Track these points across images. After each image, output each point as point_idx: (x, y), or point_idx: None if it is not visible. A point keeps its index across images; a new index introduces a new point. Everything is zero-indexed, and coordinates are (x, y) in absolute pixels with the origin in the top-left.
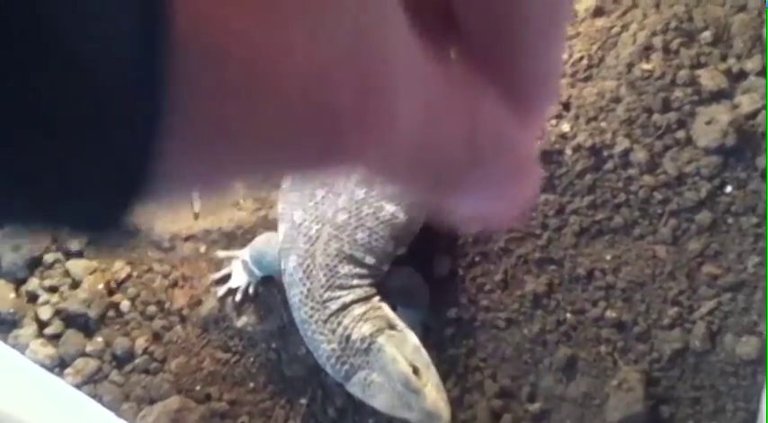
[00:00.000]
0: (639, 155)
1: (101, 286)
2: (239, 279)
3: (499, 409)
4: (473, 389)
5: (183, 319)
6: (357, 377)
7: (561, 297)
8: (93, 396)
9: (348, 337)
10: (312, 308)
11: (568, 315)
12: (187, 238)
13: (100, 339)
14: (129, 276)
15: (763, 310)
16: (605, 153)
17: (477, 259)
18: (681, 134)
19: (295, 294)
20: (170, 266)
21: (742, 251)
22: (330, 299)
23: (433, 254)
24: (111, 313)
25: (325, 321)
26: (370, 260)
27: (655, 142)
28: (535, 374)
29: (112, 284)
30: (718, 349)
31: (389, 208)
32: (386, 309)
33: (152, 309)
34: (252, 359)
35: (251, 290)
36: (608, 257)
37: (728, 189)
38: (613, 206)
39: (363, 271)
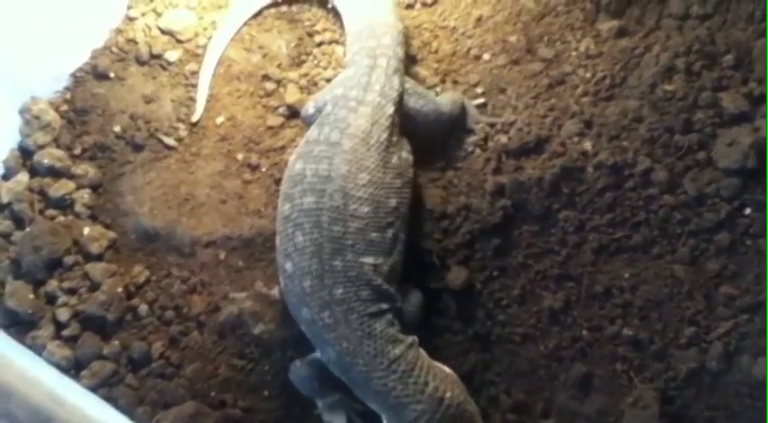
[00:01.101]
0: (660, 174)
1: (119, 290)
2: None
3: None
4: (488, 403)
5: (200, 325)
6: None
7: (578, 314)
8: (108, 399)
9: None
10: None
11: (585, 332)
12: (207, 245)
13: (117, 343)
14: (147, 281)
15: None
16: (626, 172)
17: (495, 274)
18: (702, 155)
19: None
20: (189, 272)
21: (760, 273)
22: None
23: (450, 265)
24: (128, 317)
25: None
26: None
27: (676, 162)
28: (550, 390)
29: (131, 288)
30: (734, 370)
31: None
32: None
33: (170, 314)
34: (267, 367)
35: None
36: (626, 275)
37: (748, 211)
38: (633, 225)
39: None
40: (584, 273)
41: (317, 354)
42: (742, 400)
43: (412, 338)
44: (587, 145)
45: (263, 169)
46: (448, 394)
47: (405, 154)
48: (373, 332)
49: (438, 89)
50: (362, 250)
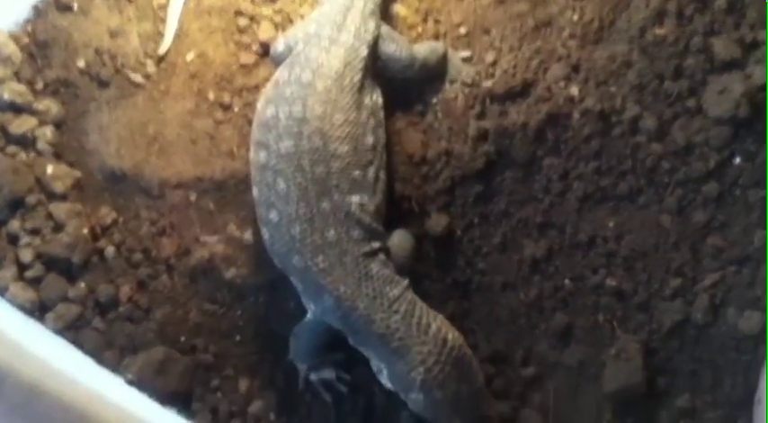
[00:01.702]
0: (648, 122)
1: (85, 231)
2: None
3: (492, 373)
4: None
5: (169, 269)
6: None
7: (560, 263)
8: (75, 343)
9: None
10: None
11: (567, 281)
12: (177, 187)
13: (82, 285)
14: (114, 222)
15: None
16: (614, 119)
17: (476, 221)
18: (691, 103)
19: None
20: (158, 214)
21: (748, 224)
22: None
23: (430, 212)
24: (94, 259)
25: None
26: None
27: (665, 110)
28: (530, 340)
29: (97, 230)
30: (720, 323)
31: None
32: None
33: (138, 256)
34: (239, 312)
35: None
36: (611, 225)
37: (737, 161)
38: (619, 173)
39: None
40: (567, 221)
41: (310, 314)
42: (727, 353)
43: (406, 281)
44: (574, 90)
45: (236, 109)
46: (450, 336)
47: (376, 96)
48: (370, 273)
49: (419, 29)
50: (348, 189)
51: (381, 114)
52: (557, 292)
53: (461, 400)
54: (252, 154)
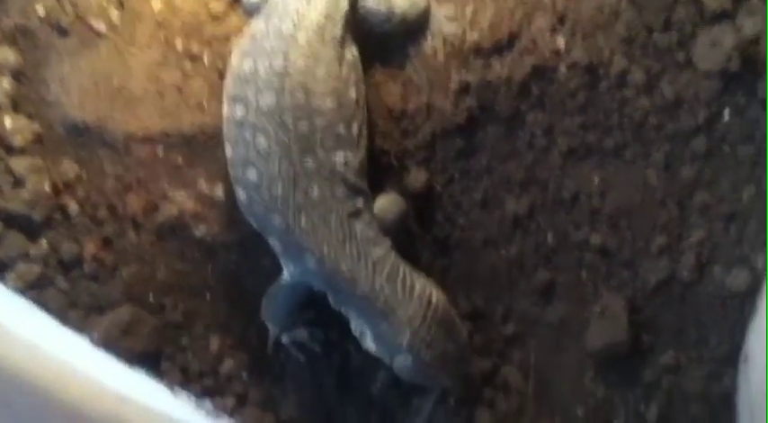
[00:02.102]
0: (637, 76)
1: (46, 187)
2: None
3: (471, 330)
4: None
5: (136, 226)
6: None
7: (543, 219)
8: (38, 302)
9: None
10: None
11: (549, 238)
12: (143, 141)
13: (44, 243)
14: (77, 177)
15: (755, 243)
16: (601, 72)
17: (456, 176)
18: (681, 56)
19: None
20: (123, 169)
21: (737, 180)
22: None
23: (409, 167)
24: (57, 216)
25: None
26: None
27: (653, 63)
28: (510, 297)
29: (59, 185)
30: (706, 280)
31: None
32: None
33: (103, 213)
34: (210, 270)
35: None
36: (596, 180)
37: (726, 115)
38: (605, 128)
39: None
40: (551, 177)
41: (285, 275)
42: (713, 311)
43: (390, 241)
44: (560, 42)
45: (205, 60)
46: (434, 295)
47: (355, 51)
48: (354, 233)
49: None
50: (332, 146)
51: (360, 69)
52: (539, 248)
53: (448, 359)
54: (226, 109)
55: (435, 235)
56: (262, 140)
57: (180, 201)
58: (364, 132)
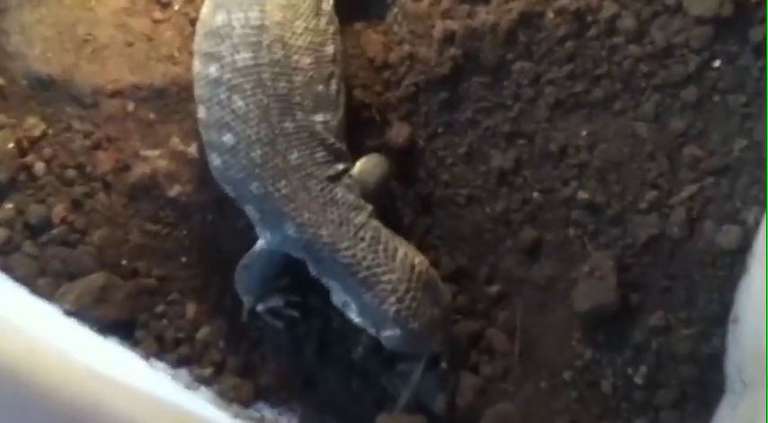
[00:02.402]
0: (627, 22)
1: (10, 145)
2: None
3: (455, 290)
4: None
5: (107, 186)
6: None
7: (529, 174)
8: (4, 270)
9: None
10: None
11: (536, 194)
12: (113, 95)
13: (10, 206)
14: (44, 135)
15: (747, 198)
16: (590, 18)
17: (440, 130)
18: (672, 0)
19: None
20: (92, 126)
21: (727, 132)
22: None
23: (391, 121)
24: (22, 177)
25: None
26: None
27: (643, 8)
28: (495, 255)
29: (24, 143)
30: (696, 237)
31: None
32: None
33: (71, 173)
34: (185, 232)
35: None
36: (584, 133)
37: (717, 63)
38: (594, 77)
39: None
40: (537, 130)
41: (261, 243)
42: (703, 269)
43: (371, 206)
44: None
45: (176, 7)
46: (417, 260)
47: (332, 1)
48: (335, 198)
49: None
50: (311, 107)
51: (336, 20)
52: (525, 205)
53: (435, 325)
54: (198, 67)
55: (418, 192)
56: (239, 101)
57: (152, 159)
58: (342, 89)
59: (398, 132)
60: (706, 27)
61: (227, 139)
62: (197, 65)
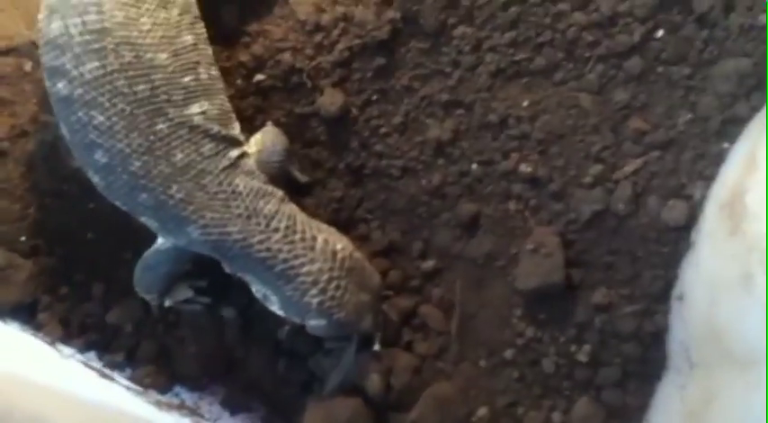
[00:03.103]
0: None
1: None
2: None
3: (387, 265)
4: (358, 243)
5: (2, 154)
6: None
7: (468, 146)
8: None
9: None
10: None
11: (474, 166)
12: (7, 53)
13: None
14: None
15: (692, 173)
16: None
17: (374, 98)
18: None
19: None
20: None
21: (671, 105)
22: None
23: (323, 87)
24: None
25: None
26: None
27: None
28: (430, 230)
29: None
30: (641, 213)
31: None
32: None
33: None
34: (91, 205)
35: None
36: (525, 103)
37: (660, 33)
38: (536, 45)
39: None
40: (477, 99)
41: (162, 241)
42: (647, 245)
43: (281, 192)
44: None
45: None
46: (339, 246)
47: None
48: (237, 190)
49: None
50: (182, 101)
51: (195, 9)
52: (463, 177)
53: (363, 310)
54: (48, 84)
55: (349, 163)
56: (99, 117)
57: (52, 125)
58: (215, 73)
59: (331, 100)
60: None
61: (99, 157)
62: (46, 81)
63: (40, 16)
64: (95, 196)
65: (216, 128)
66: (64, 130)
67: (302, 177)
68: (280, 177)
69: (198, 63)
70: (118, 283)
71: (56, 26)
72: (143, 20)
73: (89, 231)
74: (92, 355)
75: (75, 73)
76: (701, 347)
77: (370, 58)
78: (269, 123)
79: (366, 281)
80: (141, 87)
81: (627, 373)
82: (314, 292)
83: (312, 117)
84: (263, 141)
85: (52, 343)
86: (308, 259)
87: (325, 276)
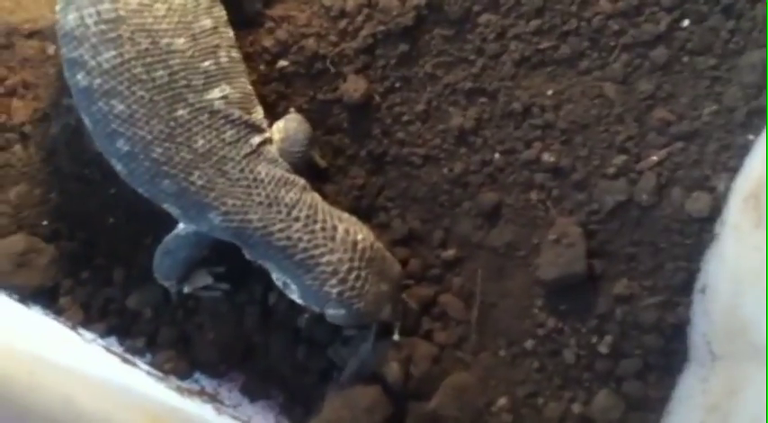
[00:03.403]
0: None
1: None
2: None
3: (407, 254)
4: (378, 231)
5: (24, 138)
6: None
7: (490, 134)
8: None
9: None
10: None
11: (497, 155)
12: (30, 35)
13: None
14: None
15: (716, 164)
16: None
17: (397, 85)
18: None
19: None
20: (6, 70)
21: (696, 96)
22: None
23: (346, 74)
24: None
25: None
26: None
27: None
28: (451, 219)
29: None
30: (665, 204)
31: None
32: None
33: None
34: (112, 191)
35: None
36: (549, 92)
37: (686, 23)
38: (561, 34)
39: None
40: (500, 88)
41: (183, 226)
42: (670, 236)
43: (303, 180)
44: None
45: None
46: (360, 236)
47: None
48: (259, 177)
49: None
50: (203, 85)
51: None
52: (485, 166)
53: (384, 300)
54: (67, 75)
55: (371, 150)
56: (119, 105)
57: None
58: (235, 55)
59: (354, 86)
60: None
61: (121, 145)
62: (66, 72)
63: (57, 8)
64: (117, 181)
65: (237, 113)
66: (86, 121)
67: (322, 162)
68: (302, 166)
69: (218, 46)
70: (138, 269)
71: (72, 18)
72: (157, 5)
73: (110, 216)
74: (112, 340)
75: (93, 63)
76: (724, 340)
77: (393, 44)
78: (292, 110)
79: (386, 271)
80: (159, 73)
81: (648, 365)
82: (333, 281)
83: (335, 104)
84: (286, 129)
85: (74, 327)
86: (328, 249)
87: (346, 266)
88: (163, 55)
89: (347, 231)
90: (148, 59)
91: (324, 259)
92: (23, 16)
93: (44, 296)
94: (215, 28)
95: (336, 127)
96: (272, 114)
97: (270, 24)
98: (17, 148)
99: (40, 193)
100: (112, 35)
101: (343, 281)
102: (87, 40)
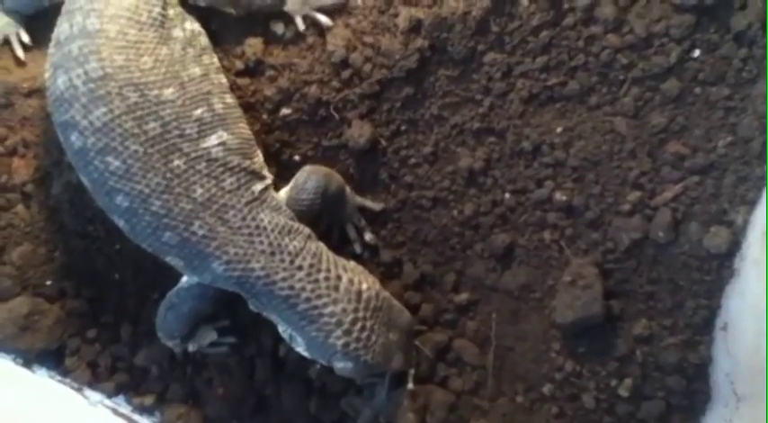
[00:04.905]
0: (606, 10)
1: None
2: None
3: (419, 299)
4: (389, 276)
5: (26, 197)
6: None
7: (500, 174)
8: None
9: None
10: None
11: (507, 195)
12: (30, 94)
13: None
14: None
15: (734, 197)
16: (566, 6)
17: (403, 128)
18: None
19: None
20: (6, 129)
21: (711, 127)
22: None
23: (350, 119)
24: None
25: None
26: None
27: None
28: (463, 262)
29: None
30: (682, 240)
31: None
32: None
33: None
34: (117, 246)
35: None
36: (559, 130)
37: (697, 53)
38: (569, 69)
39: None
40: (509, 126)
41: (186, 279)
42: (689, 273)
43: (307, 229)
44: None
45: None
46: (364, 285)
47: (189, 24)
48: (261, 224)
49: None
50: (196, 134)
51: (203, 41)
52: (495, 207)
53: (393, 350)
54: (61, 138)
55: (379, 195)
56: (114, 162)
57: None
58: (230, 101)
59: (359, 132)
60: (687, 15)
61: (120, 201)
62: (59, 135)
63: (46, 74)
64: (121, 237)
65: (236, 160)
66: (85, 182)
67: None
68: (308, 214)
69: (210, 93)
70: (146, 324)
71: (61, 81)
72: (143, 59)
73: (116, 272)
74: (120, 399)
75: (84, 123)
76: (749, 379)
77: (398, 88)
78: (297, 158)
79: (394, 319)
80: (151, 125)
81: (671, 407)
82: (338, 333)
83: (340, 149)
84: (296, 178)
85: (79, 389)
86: (331, 299)
87: (350, 317)
88: (153, 107)
89: (351, 281)
90: (138, 113)
91: (327, 310)
92: (22, 75)
93: (49, 358)
94: (205, 75)
95: (343, 173)
96: (277, 163)
97: (271, 73)
98: (19, 207)
99: (44, 252)
100: (101, 93)
101: (347, 332)
102: (77, 101)
